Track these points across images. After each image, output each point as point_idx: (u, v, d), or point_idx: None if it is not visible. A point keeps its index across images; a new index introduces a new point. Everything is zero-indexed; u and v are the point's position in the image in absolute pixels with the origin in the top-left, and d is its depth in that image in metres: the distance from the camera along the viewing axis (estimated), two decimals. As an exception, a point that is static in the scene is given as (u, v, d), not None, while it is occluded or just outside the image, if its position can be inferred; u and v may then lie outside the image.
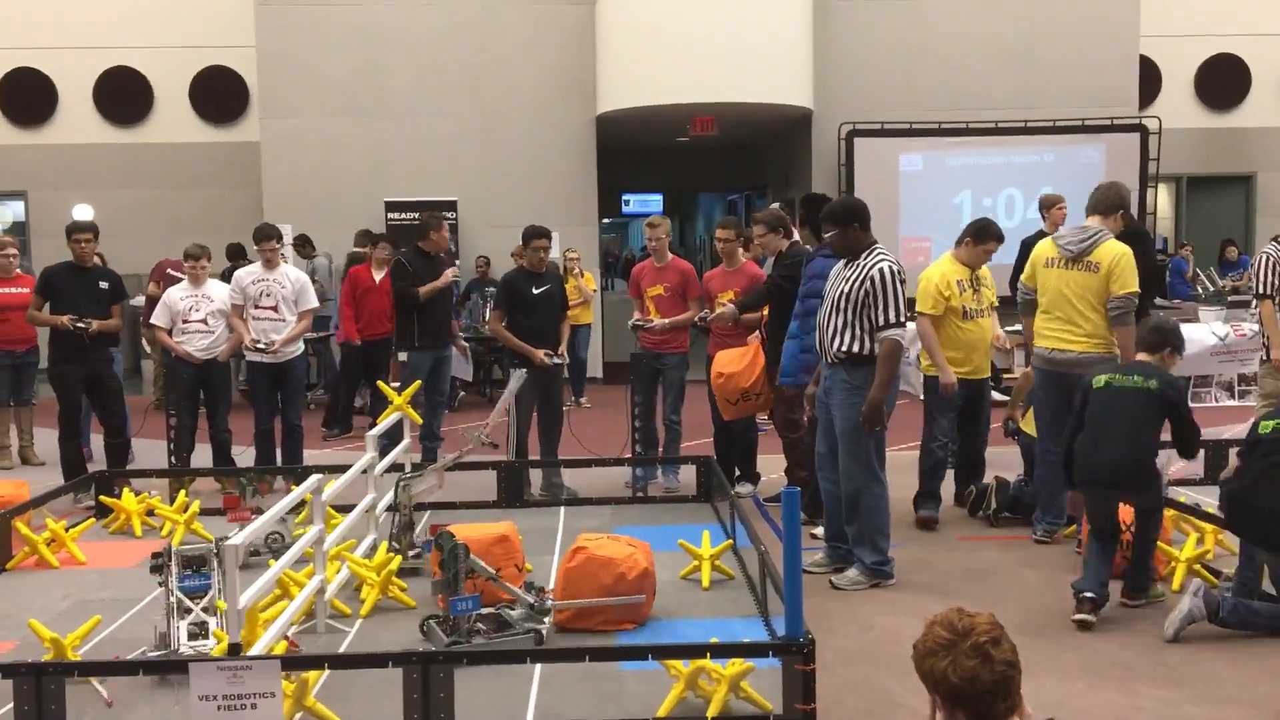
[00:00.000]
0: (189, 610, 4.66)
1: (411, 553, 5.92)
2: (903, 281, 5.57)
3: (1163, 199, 16.87)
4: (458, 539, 4.85)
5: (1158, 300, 12.23)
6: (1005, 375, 11.65)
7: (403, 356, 8.52)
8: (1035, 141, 14.05)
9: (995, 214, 13.39)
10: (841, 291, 5.62)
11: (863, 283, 5.53)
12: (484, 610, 4.86)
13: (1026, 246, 9.42)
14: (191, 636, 4.61)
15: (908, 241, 13.44)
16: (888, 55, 14.24)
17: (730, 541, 6.08)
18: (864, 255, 5.62)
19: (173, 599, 4.65)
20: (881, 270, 5.51)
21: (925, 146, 14.03)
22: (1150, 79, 16.06)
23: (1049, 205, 9.46)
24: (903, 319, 5.53)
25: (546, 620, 4.85)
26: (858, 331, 5.56)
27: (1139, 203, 13.60)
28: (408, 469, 7.10)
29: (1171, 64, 16.91)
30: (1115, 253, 6.04)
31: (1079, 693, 4.27)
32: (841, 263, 5.77)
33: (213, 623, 4.63)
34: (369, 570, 5.37)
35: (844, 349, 5.59)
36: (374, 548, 6.07)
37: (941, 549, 6.31)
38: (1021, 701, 2.49)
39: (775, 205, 9.73)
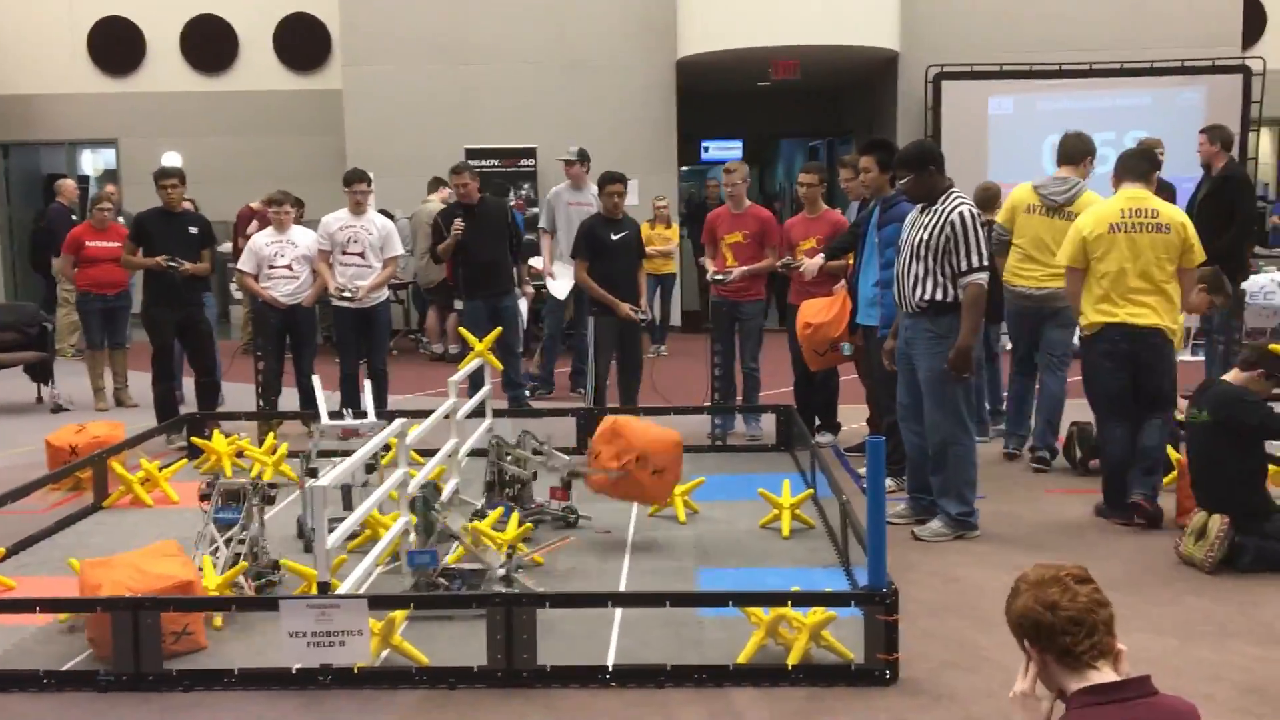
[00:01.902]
0: (214, 541, 4.78)
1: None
2: (984, 224, 5.43)
3: (1265, 143, 16.21)
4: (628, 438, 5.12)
5: (1258, 249, 11.81)
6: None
7: (458, 305, 8.60)
8: (1132, 83, 13.55)
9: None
10: (920, 239, 5.48)
11: (942, 228, 5.38)
12: (449, 566, 4.76)
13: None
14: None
15: (1007, 187, 13.09)
16: (978, -6, 13.82)
17: (811, 491, 6.03)
18: (941, 200, 5.47)
19: (207, 529, 4.81)
20: (961, 214, 5.36)
21: (1016, 89, 13.62)
22: (1255, 18, 15.36)
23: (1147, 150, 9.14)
24: (986, 263, 5.38)
25: (516, 578, 4.62)
26: (939, 278, 5.43)
27: (1240, 147, 13.03)
28: (489, 414, 7.16)
29: (1277, 1, 16.16)
30: (1089, 202, 6.48)
31: (1172, 649, 4.17)
32: (917, 209, 5.63)
33: (223, 554, 4.72)
34: (501, 537, 5.15)
35: (926, 297, 5.47)
36: (455, 491, 6.14)
37: (1027, 502, 6.20)
38: (1120, 656, 2.43)
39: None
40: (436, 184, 12.28)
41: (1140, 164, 6.03)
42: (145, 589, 4.08)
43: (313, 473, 5.45)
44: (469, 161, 11.23)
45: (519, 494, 5.97)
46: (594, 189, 9.63)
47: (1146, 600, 4.67)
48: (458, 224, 8.40)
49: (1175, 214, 5.92)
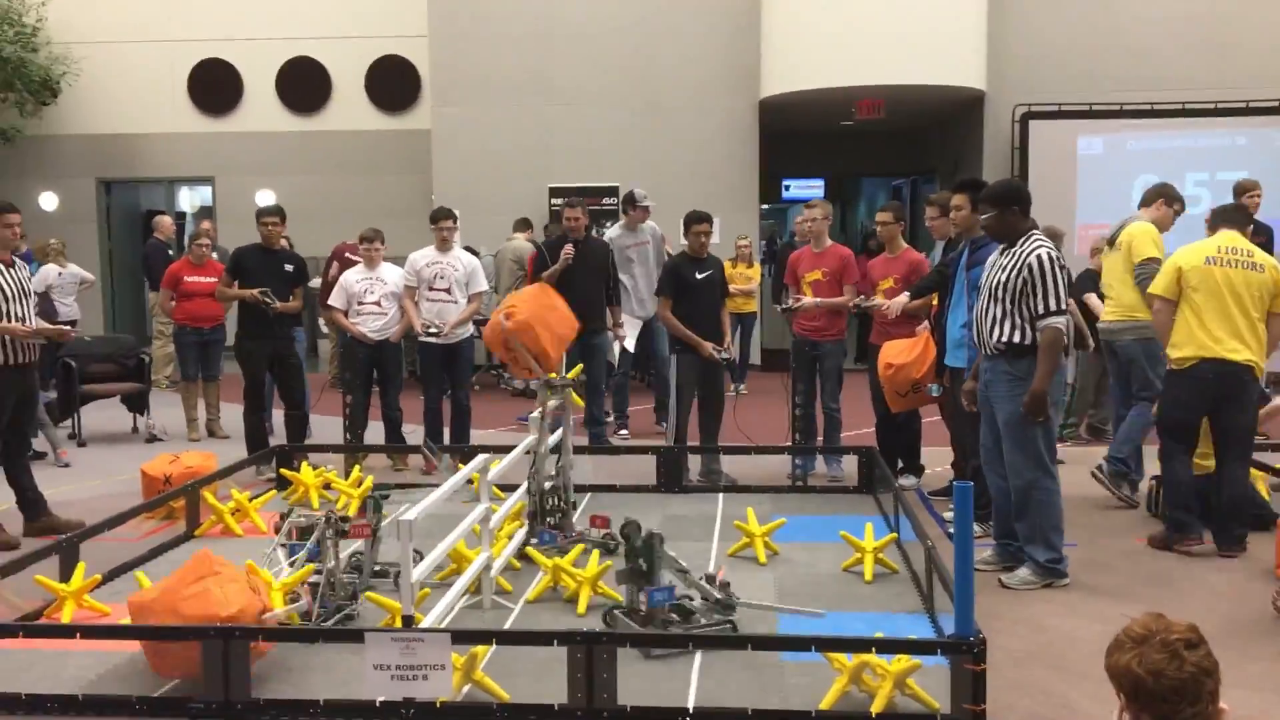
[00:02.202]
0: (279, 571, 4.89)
1: (534, 540, 5.90)
2: (1062, 268, 5.34)
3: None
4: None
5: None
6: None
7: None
8: (1226, 123, 13.25)
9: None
10: (999, 280, 5.42)
11: (1020, 270, 5.32)
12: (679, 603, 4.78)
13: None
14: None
15: (1085, 229, 12.88)
16: (1066, 33, 13.67)
17: (894, 535, 5.95)
18: (1021, 242, 5.40)
19: (274, 553, 4.96)
20: (1040, 256, 5.29)
21: (1105, 129, 13.42)
22: (1355, 55, 14.97)
23: (1243, 191, 8.99)
24: (1063, 306, 5.30)
25: (733, 615, 4.77)
26: (1017, 321, 5.36)
27: (1338, 188, 12.71)
28: (568, 452, 7.20)
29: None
30: (1130, 231, 6.88)
31: (1272, 705, 4.03)
32: (998, 250, 5.57)
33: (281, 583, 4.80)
34: (582, 575, 5.20)
35: (1003, 340, 5.40)
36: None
37: (1118, 551, 6.05)
38: (1220, 715, 2.36)
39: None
40: (524, 224, 12.50)
41: (1236, 215, 6.18)
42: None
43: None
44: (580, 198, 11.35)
45: (560, 523, 6.02)
46: (652, 227, 9.79)
47: (1242, 655, 4.52)
48: (568, 249, 8.50)
49: (1269, 257, 5.97)
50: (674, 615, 4.71)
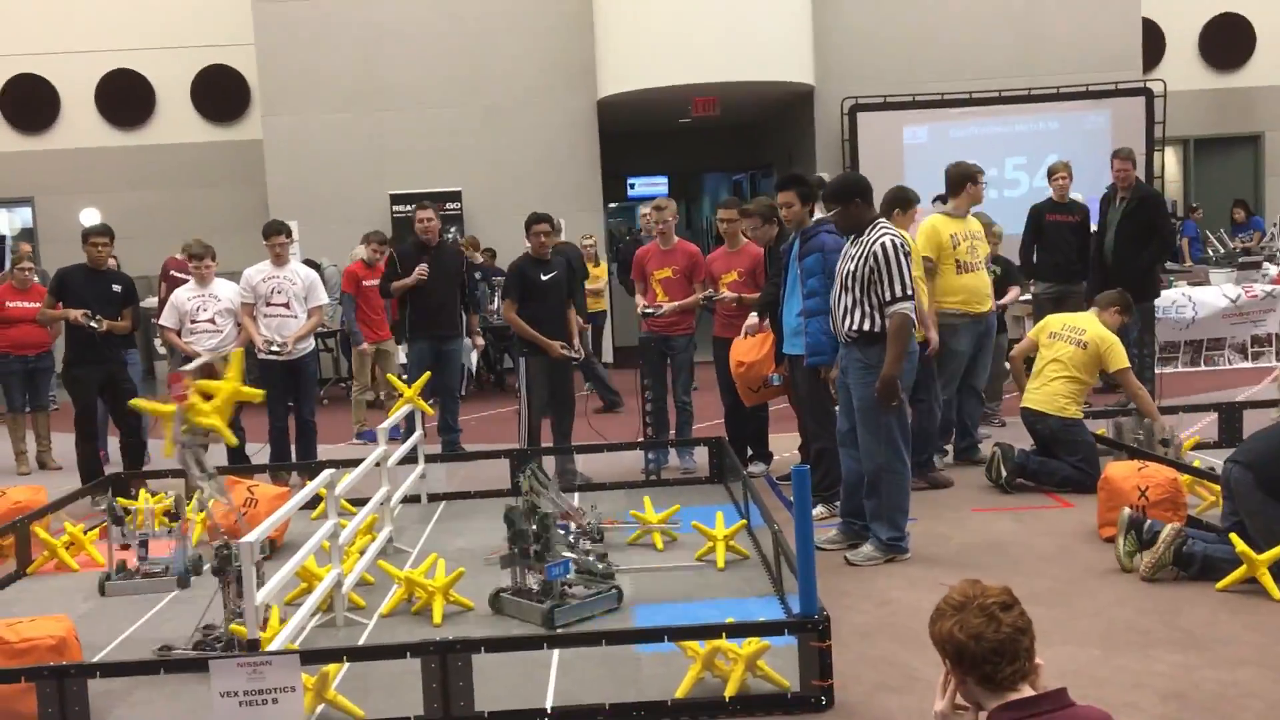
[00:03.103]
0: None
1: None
2: (906, 254, 5.54)
3: (1170, 162, 16.77)
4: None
5: (1169, 265, 12.20)
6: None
7: (402, 348, 8.60)
8: (1040, 109, 13.94)
9: (1001, 184, 13.36)
10: (848, 270, 5.60)
11: (867, 259, 5.51)
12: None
13: (1035, 214, 9.48)
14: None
15: (922, 213, 13.38)
16: (889, 28, 14.14)
17: (744, 521, 6.09)
18: (868, 231, 5.60)
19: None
20: (884, 244, 5.48)
21: (929, 119, 13.95)
22: (1154, 41, 15.96)
23: (1052, 174, 9.47)
24: (909, 292, 5.49)
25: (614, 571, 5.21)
26: (867, 309, 5.54)
27: (1145, 167, 13.50)
28: (420, 462, 7.15)
29: (1175, 25, 16.80)
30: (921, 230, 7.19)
31: (1095, 660, 4.28)
32: (848, 240, 5.76)
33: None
34: (433, 585, 5.15)
35: (855, 328, 5.59)
36: (389, 540, 6.11)
37: (955, 522, 6.32)
38: (1037, 671, 2.51)
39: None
40: (368, 237, 12.18)
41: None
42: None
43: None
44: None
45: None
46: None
47: (1071, 613, 4.78)
48: (422, 269, 8.37)
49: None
50: (565, 588, 4.93)
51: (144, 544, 5.97)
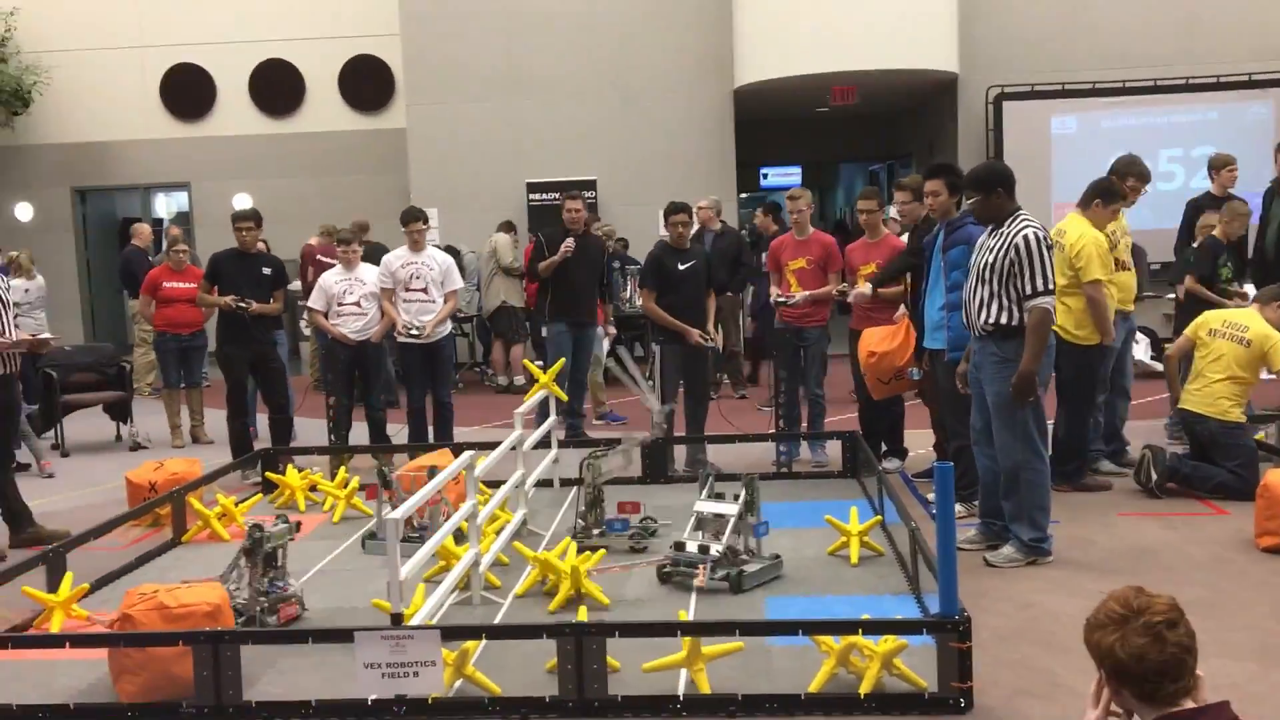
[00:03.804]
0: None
1: (596, 530, 5.91)
2: (1049, 247, 5.37)
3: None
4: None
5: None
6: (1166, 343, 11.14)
7: (544, 331, 8.72)
8: (1198, 99, 13.35)
9: (1155, 177, 12.82)
10: (986, 262, 5.46)
11: (1007, 251, 5.35)
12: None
13: (1192, 209, 9.07)
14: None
15: (1061, 208, 12.93)
16: (1037, 13, 13.73)
17: (879, 517, 6.00)
18: (1008, 223, 5.44)
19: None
20: (1026, 237, 5.32)
21: (1079, 108, 13.49)
22: (1324, 28, 15.08)
23: (1219, 166, 9.03)
24: (1051, 286, 5.32)
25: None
26: (1005, 302, 5.39)
27: (1311, 161, 12.81)
28: (554, 447, 7.24)
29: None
30: (1064, 229, 6.59)
31: (1252, 675, 4.08)
32: (986, 231, 5.61)
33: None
34: (565, 566, 5.20)
35: (991, 321, 5.44)
36: (523, 522, 6.20)
37: (1100, 526, 6.10)
38: (1198, 684, 2.40)
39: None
40: (507, 227, 12.46)
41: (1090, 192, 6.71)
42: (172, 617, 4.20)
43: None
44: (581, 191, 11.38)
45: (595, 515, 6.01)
46: None
47: (1224, 625, 4.58)
48: (569, 243, 8.51)
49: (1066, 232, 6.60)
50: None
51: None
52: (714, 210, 11.13)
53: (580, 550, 5.49)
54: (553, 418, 7.36)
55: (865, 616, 4.12)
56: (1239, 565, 5.33)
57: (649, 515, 6.09)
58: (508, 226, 12.60)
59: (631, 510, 6.01)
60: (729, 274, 11.04)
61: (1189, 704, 2.36)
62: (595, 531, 5.92)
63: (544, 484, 7.33)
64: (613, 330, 9.40)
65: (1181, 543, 5.75)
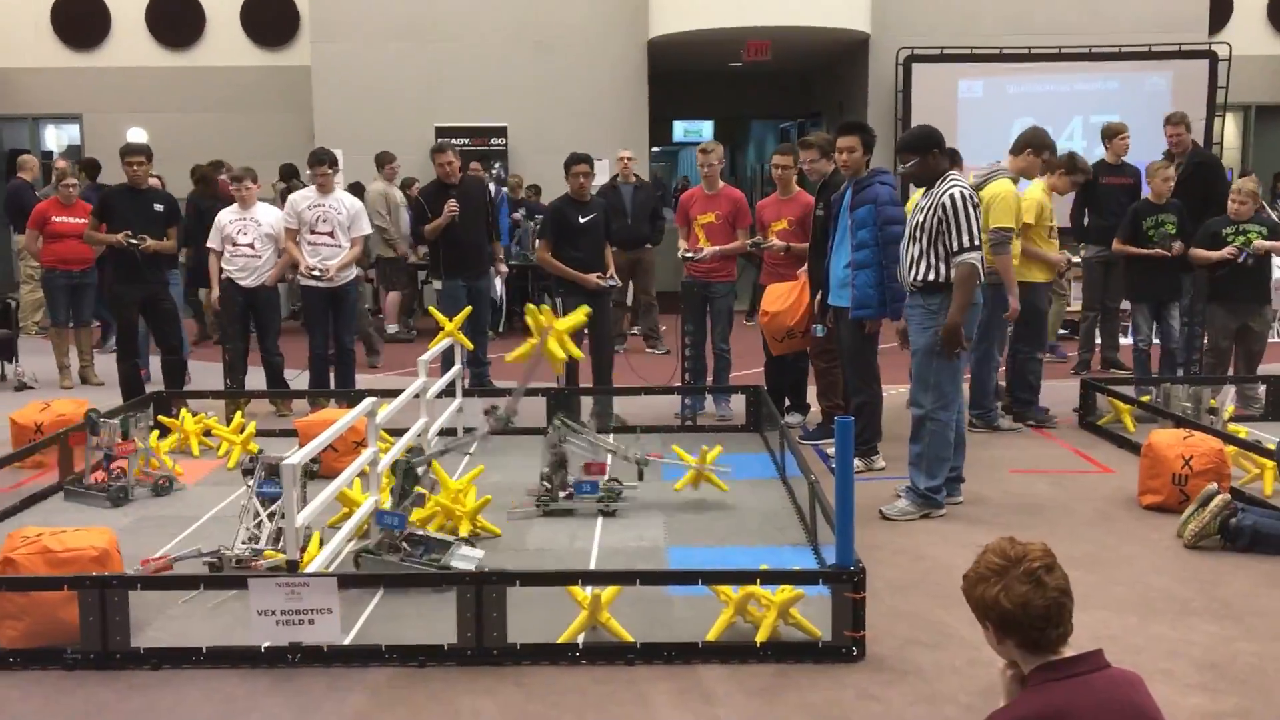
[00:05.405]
0: (257, 515, 4.83)
1: (563, 493, 5.78)
2: (976, 206, 5.48)
3: (1230, 128, 16.37)
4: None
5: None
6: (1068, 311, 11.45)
7: (437, 285, 8.63)
8: (1100, 68, 13.65)
9: (1060, 143, 13.12)
10: (917, 221, 5.58)
11: (935, 210, 5.46)
12: (415, 532, 4.79)
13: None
14: (251, 539, 4.78)
15: (965, 171, 13.18)
16: (948, -23, 13.86)
17: (719, 448, 6.02)
18: (938, 183, 5.54)
19: (251, 502, 4.87)
20: (953, 195, 5.43)
21: (985, 73, 13.70)
22: (1221, 4, 15.51)
23: (1112, 135, 9.25)
24: (977, 243, 5.45)
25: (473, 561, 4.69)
26: (933, 260, 5.51)
27: (1205, 132, 13.22)
28: (458, 395, 7.17)
29: (1243, -13, 16.33)
30: (994, 191, 6.87)
31: (1131, 626, 4.24)
32: (920, 191, 5.71)
33: (267, 528, 4.79)
34: (463, 510, 5.26)
35: (920, 277, 5.56)
36: (425, 469, 6.13)
37: (994, 482, 6.27)
38: (1071, 630, 2.48)
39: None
40: (386, 158, 11.93)
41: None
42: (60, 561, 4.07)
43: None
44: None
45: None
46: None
47: (1108, 579, 4.75)
48: (452, 204, 8.40)
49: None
50: (404, 544, 4.68)
51: (108, 459, 6.06)
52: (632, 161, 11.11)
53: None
54: (457, 366, 7.28)
55: (764, 567, 4.18)
56: (1123, 522, 5.53)
57: (614, 476, 5.99)
58: (386, 158, 11.95)
59: (598, 472, 5.92)
60: (650, 226, 11.03)
61: (1067, 652, 2.44)
62: (562, 494, 5.76)
63: (448, 432, 7.26)
64: (504, 269, 9.33)
65: (1069, 499, 5.93)
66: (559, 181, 7.90)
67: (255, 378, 8.52)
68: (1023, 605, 2.41)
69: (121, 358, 8.09)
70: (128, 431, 6.15)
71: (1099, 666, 2.42)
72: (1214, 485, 5.26)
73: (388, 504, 4.85)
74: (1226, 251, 7.55)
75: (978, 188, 6.99)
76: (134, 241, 7.81)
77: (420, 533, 4.81)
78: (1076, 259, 9.32)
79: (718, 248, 7.75)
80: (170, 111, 15.59)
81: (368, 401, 5.10)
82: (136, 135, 14.59)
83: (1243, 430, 6.78)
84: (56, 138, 17.01)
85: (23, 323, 10.85)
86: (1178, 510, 5.40)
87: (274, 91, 15.58)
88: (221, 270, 8.21)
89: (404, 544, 4.67)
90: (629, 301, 11.19)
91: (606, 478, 5.87)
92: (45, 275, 9.69)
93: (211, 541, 4.99)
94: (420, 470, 4.93)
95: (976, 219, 5.46)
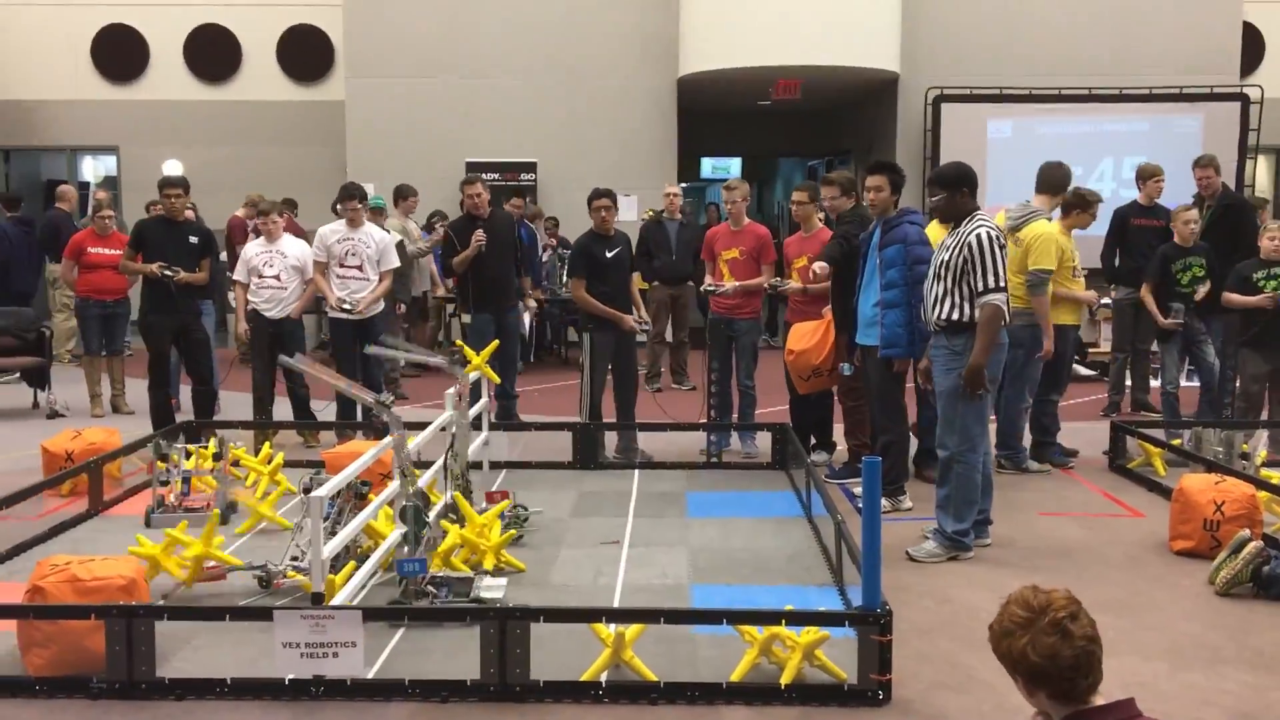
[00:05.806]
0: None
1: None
2: (1002, 247, 5.47)
3: (1261, 171, 16.28)
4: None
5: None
6: (1091, 349, 11.39)
7: (465, 318, 8.69)
8: (1130, 110, 13.63)
9: (1085, 184, 13.08)
10: (943, 260, 5.56)
11: (961, 249, 5.45)
12: (436, 575, 4.79)
13: (1119, 218, 9.25)
14: (297, 556, 4.88)
15: (994, 211, 13.13)
16: (978, 18, 13.92)
17: (513, 533, 5.77)
18: (965, 222, 5.53)
19: (304, 519, 4.91)
20: (979, 235, 5.41)
21: (1015, 113, 13.70)
22: (1253, 45, 15.48)
23: (1147, 176, 9.21)
24: (1003, 284, 5.42)
25: (500, 590, 4.75)
26: (957, 299, 5.49)
27: (1236, 174, 13.16)
28: (485, 429, 7.19)
29: (1276, 30, 16.27)
30: (1036, 232, 6.95)
31: (1161, 674, 4.18)
32: (939, 227, 5.71)
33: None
34: (487, 544, 5.27)
35: (944, 317, 5.54)
36: (451, 503, 6.14)
37: (1023, 525, 6.21)
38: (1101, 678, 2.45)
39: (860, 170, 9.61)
40: (400, 195, 11.60)
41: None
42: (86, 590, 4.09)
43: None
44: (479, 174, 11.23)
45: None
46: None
47: (1137, 625, 4.68)
48: (479, 235, 8.45)
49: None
50: (429, 589, 4.67)
51: (186, 480, 6.23)
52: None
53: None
54: (484, 399, 7.30)
55: (789, 607, 4.15)
56: (1153, 567, 5.46)
57: (519, 504, 6.04)
58: (404, 193, 11.59)
59: (500, 499, 5.96)
60: (694, 262, 10.96)
61: (1098, 700, 2.41)
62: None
63: (474, 466, 7.27)
64: (533, 303, 9.38)
65: (1099, 543, 5.87)
66: (586, 217, 7.95)
67: (282, 408, 8.57)
68: (1051, 657, 2.38)
69: (153, 386, 8.17)
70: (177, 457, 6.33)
71: (1131, 716, 2.38)
72: (1246, 532, 5.19)
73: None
74: (1264, 300, 7.49)
75: (1015, 228, 7.00)
76: (169, 273, 7.91)
77: (441, 574, 4.81)
78: (1107, 300, 9.27)
79: (739, 283, 7.76)
80: (206, 144, 15.80)
81: (395, 434, 5.11)
82: (173, 167, 14.79)
83: (1275, 476, 6.69)
84: (94, 169, 17.26)
85: (56, 351, 10.97)
86: (1209, 556, 5.34)
87: (308, 125, 15.77)
88: (248, 302, 8.31)
89: (429, 588, 4.66)
90: (668, 337, 11.14)
91: (511, 505, 5.92)
92: (79, 304, 9.81)
93: (235, 575, 5.02)
94: (429, 516, 4.91)
95: (1003, 260, 5.44)
